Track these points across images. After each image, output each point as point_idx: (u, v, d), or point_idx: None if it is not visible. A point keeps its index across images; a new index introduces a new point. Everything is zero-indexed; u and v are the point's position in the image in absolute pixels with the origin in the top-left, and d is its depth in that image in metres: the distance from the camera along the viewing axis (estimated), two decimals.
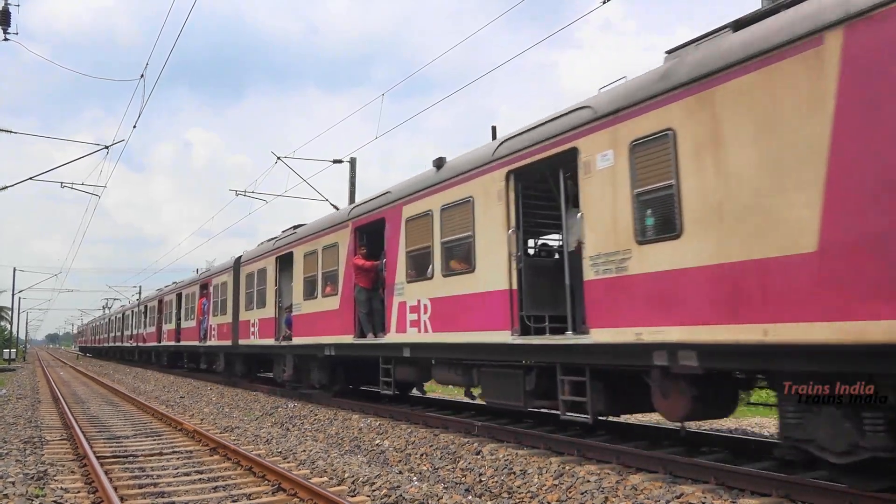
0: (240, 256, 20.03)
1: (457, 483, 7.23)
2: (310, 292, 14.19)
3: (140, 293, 53.23)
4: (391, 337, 11.02)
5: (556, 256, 9.86)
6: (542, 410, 9.35)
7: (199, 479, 7.70)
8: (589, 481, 6.51)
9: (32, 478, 7.63)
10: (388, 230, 11.23)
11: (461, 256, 9.37)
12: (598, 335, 6.97)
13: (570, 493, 6.34)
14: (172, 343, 29.05)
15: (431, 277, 9.93)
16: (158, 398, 18.60)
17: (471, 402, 11.55)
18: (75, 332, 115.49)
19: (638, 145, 6.60)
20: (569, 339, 7.52)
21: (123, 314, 44.43)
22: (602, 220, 6.99)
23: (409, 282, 10.55)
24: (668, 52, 6.81)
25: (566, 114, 7.74)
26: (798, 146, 5.16)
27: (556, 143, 7.74)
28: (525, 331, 8.26)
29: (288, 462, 8.68)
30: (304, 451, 9.41)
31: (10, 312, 64.47)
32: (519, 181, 8.55)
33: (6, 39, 15.80)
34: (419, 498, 6.55)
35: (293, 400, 15.33)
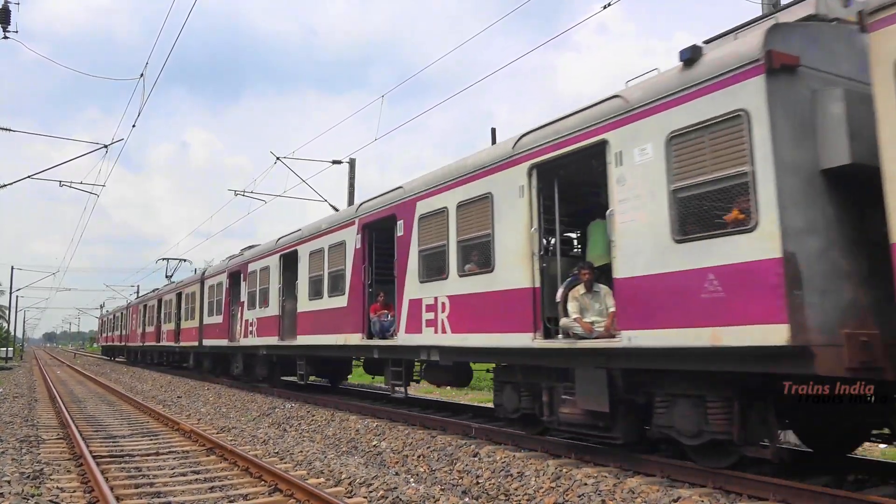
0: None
1: (454, 485, 7.22)
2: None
3: (138, 292, 51.93)
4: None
5: None
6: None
7: (196, 480, 7.69)
8: (586, 484, 6.51)
9: (28, 477, 7.60)
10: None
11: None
12: None
13: (567, 495, 6.33)
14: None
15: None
16: (156, 398, 18.57)
17: (469, 404, 11.62)
18: (98, 323, 70.51)
19: None
20: None
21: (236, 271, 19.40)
22: None
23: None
24: None
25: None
26: None
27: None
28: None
29: (285, 463, 8.66)
30: (301, 451, 9.40)
31: (7, 311, 64.33)
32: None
33: (6, 37, 15.79)
34: (416, 500, 6.54)
35: (290, 401, 15.31)
